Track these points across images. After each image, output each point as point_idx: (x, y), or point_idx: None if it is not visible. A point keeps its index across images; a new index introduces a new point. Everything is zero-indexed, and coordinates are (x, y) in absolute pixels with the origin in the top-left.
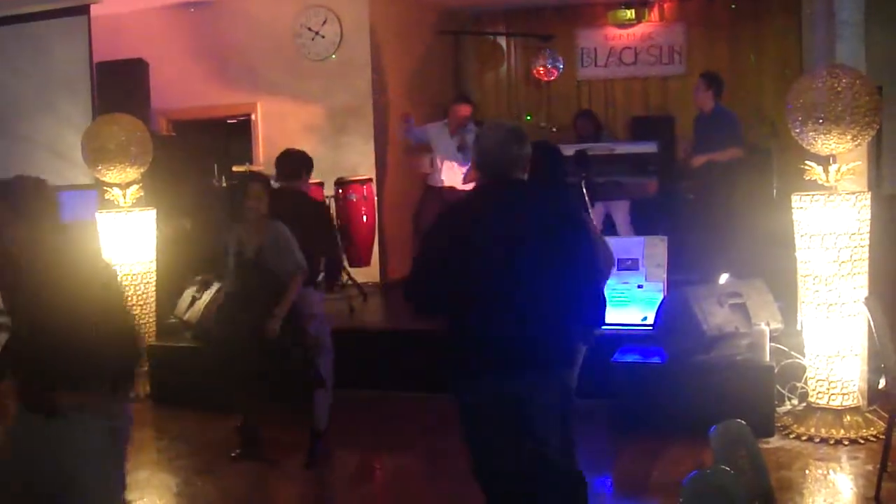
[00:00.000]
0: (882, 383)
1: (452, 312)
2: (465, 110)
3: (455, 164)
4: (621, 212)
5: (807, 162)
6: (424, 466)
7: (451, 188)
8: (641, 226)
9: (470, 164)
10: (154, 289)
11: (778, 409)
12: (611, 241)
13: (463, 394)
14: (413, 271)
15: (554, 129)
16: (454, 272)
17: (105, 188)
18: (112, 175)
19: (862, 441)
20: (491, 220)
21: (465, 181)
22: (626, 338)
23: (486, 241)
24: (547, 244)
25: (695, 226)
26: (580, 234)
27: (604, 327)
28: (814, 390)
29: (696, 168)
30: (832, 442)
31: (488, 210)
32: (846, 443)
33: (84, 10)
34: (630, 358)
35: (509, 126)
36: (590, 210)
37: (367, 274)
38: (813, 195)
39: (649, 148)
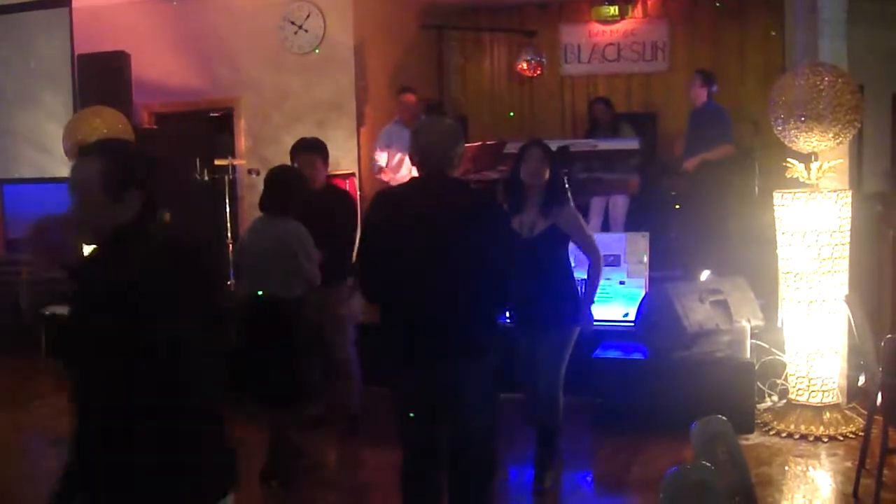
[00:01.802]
0: (861, 380)
1: (385, 303)
2: (413, 98)
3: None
4: (620, 207)
5: (789, 160)
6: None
7: None
8: (624, 221)
9: None
10: None
11: (758, 406)
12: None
13: (398, 381)
14: (359, 264)
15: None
16: (385, 264)
17: None
18: None
19: (841, 438)
20: (416, 214)
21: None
22: (608, 334)
23: (411, 235)
24: (467, 239)
25: (677, 222)
26: (496, 225)
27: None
28: (794, 387)
29: (690, 171)
30: (812, 438)
31: (425, 202)
32: (826, 439)
33: (66, 1)
34: (611, 354)
35: (448, 125)
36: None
37: None
38: (795, 193)
39: (632, 145)
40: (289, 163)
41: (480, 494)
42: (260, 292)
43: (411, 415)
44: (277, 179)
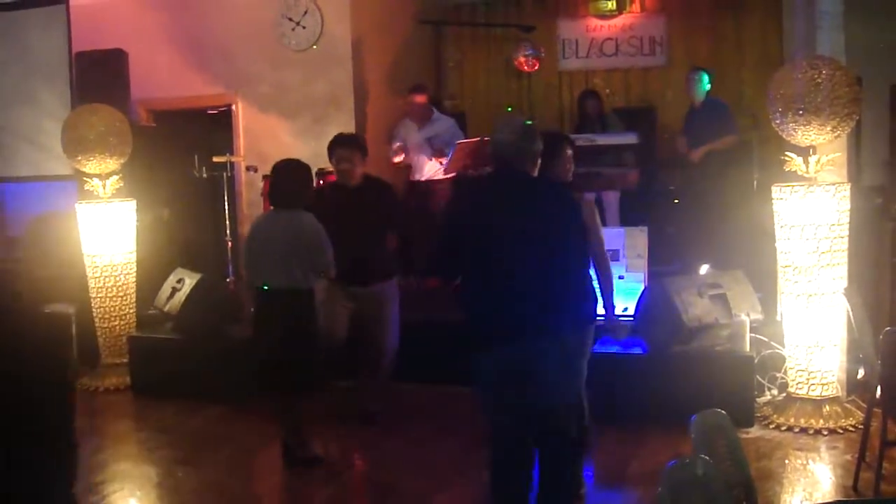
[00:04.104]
0: (861, 373)
1: (469, 285)
2: (420, 98)
3: (424, 157)
4: (612, 200)
5: (787, 153)
6: (404, 455)
7: (429, 181)
8: (622, 216)
9: (452, 155)
10: (134, 279)
11: (758, 400)
12: None
13: (479, 358)
14: (434, 250)
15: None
16: (469, 250)
17: (85, 179)
18: (91, 166)
19: (841, 431)
20: (503, 203)
21: (447, 171)
22: (607, 329)
23: (498, 222)
24: (550, 226)
25: (675, 217)
26: (577, 219)
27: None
28: (793, 380)
29: (696, 161)
30: (811, 432)
31: (501, 194)
32: (825, 432)
33: None
34: (611, 349)
35: (521, 123)
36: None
37: None
38: (793, 186)
39: (630, 139)
40: (287, 158)
41: (567, 468)
42: (266, 286)
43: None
44: (283, 172)
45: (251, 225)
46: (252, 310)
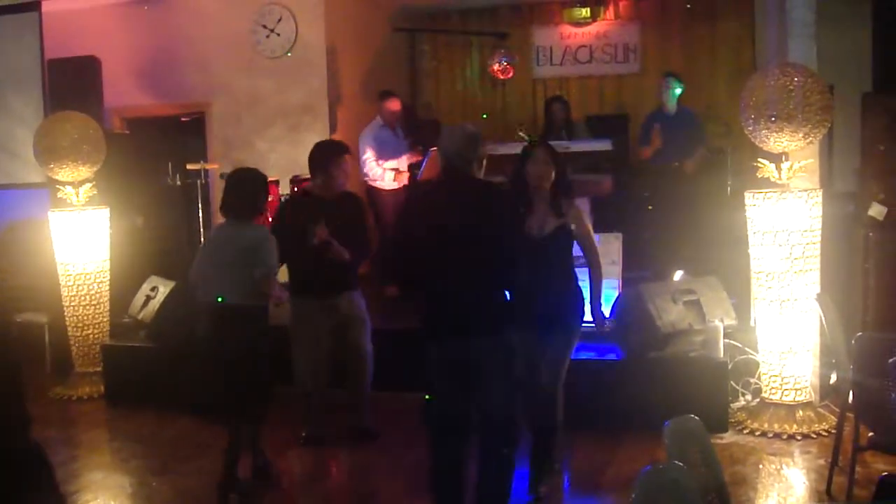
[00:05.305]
0: (833, 378)
1: (424, 282)
2: (398, 104)
3: (405, 157)
4: (585, 207)
5: (759, 160)
6: (380, 463)
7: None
8: (596, 223)
9: (426, 163)
10: (108, 288)
11: (732, 405)
12: None
13: (428, 350)
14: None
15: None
16: (421, 251)
17: (58, 187)
18: (64, 173)
19: (814, 436)
20: (445, 206)
21: (422, 177)
22: (582, 335)
23: (441, 224)
24: (481, 231)
25: (650, 223)
26: (513, 220)
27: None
28: (767, 386)
29: (691, 173)
30: (785, 437)
31: (444, 198)
32: (799, 437)
33: (35, 6)
34: (585, 355)
35: (467, 131)
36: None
37: None
38: (766, 192)
39: (604, 146)
40: (243, 167)
41: (504, 455)
42: (220, 298)
43: (427, 397)
44: (235, 182)
45: (208, 236)
46: (202, 325)
